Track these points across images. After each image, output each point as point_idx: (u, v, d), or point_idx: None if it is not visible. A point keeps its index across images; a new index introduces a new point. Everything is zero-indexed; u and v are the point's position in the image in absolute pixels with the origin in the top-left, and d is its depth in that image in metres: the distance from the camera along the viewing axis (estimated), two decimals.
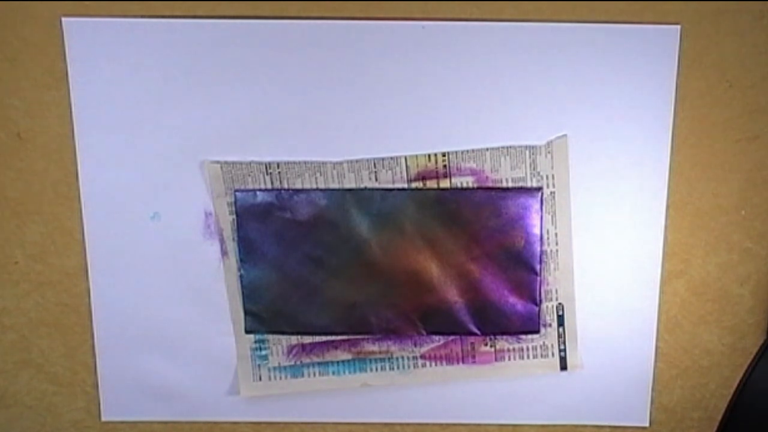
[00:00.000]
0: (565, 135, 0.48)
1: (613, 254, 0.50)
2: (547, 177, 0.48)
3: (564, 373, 0.51)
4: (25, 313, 0.52)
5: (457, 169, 0.48)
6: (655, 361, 0.52)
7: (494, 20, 0.47)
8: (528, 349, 0.51)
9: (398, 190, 0.48)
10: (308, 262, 0.49)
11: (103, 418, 0.53)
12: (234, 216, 0.49)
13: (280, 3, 0.47)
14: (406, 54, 0.47)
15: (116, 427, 0.54)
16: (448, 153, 0.48)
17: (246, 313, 0.50)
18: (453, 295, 0.49)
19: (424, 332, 0.50)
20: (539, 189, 0.48)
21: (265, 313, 0.50)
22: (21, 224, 0.50)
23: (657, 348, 0.51)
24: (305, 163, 0.49)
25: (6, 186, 0.50)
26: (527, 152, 0.48)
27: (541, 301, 0.50)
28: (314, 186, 0.49)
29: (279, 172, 0.49)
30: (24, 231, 0.50)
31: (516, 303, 0.49)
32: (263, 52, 0.47)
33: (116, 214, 0.49)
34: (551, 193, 0.49)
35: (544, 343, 0.51)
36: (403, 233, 0.49)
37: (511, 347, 0.51)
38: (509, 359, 0.51)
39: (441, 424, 0.53)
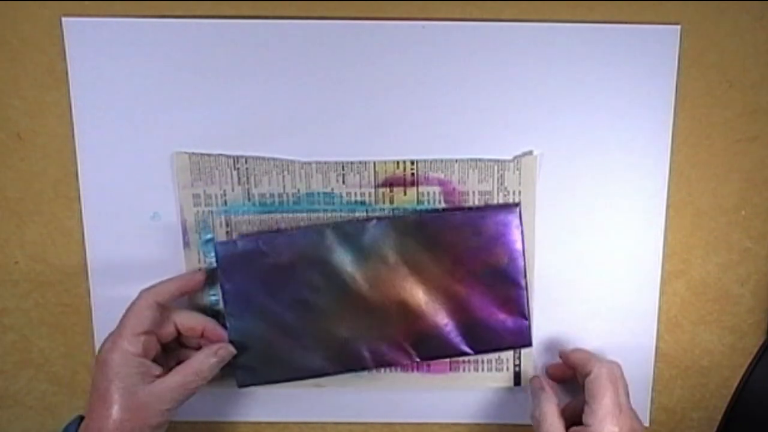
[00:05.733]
0: (532, 152, 0.48)
1: (612, 254, 0.50)
2: (513, 192, 0.49)
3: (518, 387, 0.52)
4: (25, 313, 0.52)
5: (425, 178, 0.48)
6: (655, 361, 0.52)
7: (494, 20, 0.47)
8: (483, 361, 0.51)
9: (377, 219, 0.48)
10: (295, 305, 0.48)
11: None
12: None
13: (280, 3, 0.47)
14: (405, 54, 0.47)
15: None
16: (417, 161, 0.48)
17: (237, 367, 0.49)
18: (442, 318, 0.49)
19: (418, 359, 0.49)
20: (517, 205, 0.48)
21: (256, 364, 0.49)
22: (21, 224, 0.50)
23: (657, 348, 0.51)
24: (273, 159, 0.48)
25: (6, 186, 0.50)
26: (495, 167, 0.48)
27: (530, 314, 0.50)
28: (281, 186, 0.48)
29: (246, 168, 0.48)
30: (24, 231, 0.50)
31: (506, 319, 0.49)
32: (263, 52, 0.47)
33: (116, 214, 0.50)
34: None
35: (499, 356, 0.51)
36: (386, 263, 0.48)
37: (466, 358, 0.51)
38: (464, 370, 0.51)
39: (440, 424, 0.53)
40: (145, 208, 0.49)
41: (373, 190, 0.48)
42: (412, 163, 0.48)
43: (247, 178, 0.48)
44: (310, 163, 0.48)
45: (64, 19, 0.47)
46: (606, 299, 0.50)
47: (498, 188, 0.48)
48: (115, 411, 0.42)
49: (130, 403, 0.42)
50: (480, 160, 0.48)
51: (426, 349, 0.49)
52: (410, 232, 0.48)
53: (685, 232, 0.50)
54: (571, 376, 0.49)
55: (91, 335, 0.52)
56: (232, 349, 0.47)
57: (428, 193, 0.49)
